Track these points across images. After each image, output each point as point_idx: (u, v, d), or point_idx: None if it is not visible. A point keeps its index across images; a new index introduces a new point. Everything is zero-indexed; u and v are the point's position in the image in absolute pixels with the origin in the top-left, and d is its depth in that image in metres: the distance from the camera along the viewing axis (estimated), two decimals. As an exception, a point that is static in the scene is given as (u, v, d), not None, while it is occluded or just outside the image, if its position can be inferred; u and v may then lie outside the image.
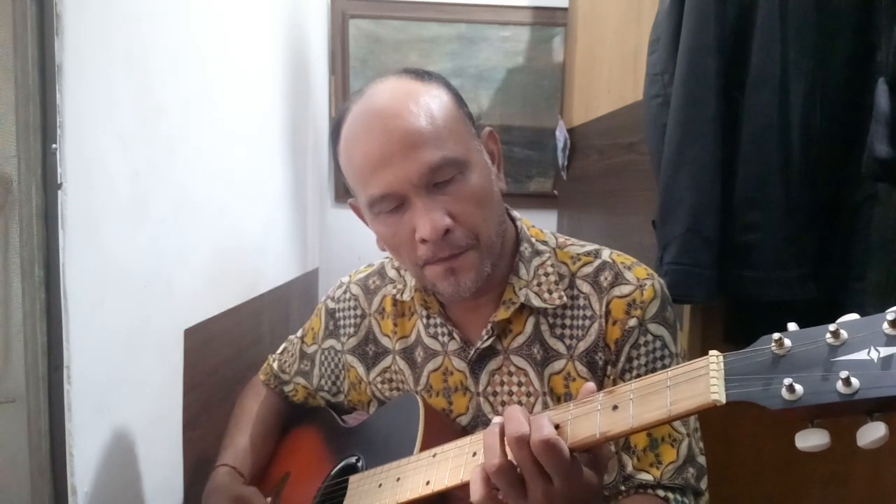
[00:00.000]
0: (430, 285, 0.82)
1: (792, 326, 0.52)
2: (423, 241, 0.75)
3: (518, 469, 0.59)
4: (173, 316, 1.01)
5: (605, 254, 0.87)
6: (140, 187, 0.89)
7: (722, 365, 0.53)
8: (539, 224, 0.92)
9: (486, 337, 0.85)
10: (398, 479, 0.76)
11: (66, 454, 0.74)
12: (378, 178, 0.75)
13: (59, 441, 0.74)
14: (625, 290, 0.82)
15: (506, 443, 0.60)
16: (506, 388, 0.86)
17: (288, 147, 1.76)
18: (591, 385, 0.63)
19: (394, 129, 0.74)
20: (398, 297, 0.92)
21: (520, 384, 0.85)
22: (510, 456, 0.60)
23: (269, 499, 0.92)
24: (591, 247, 0.88)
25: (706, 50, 1.11)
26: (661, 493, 0.79)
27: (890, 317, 0.46)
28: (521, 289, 0.84)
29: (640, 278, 0.83)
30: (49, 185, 0.71)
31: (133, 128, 0.87)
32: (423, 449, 0.78)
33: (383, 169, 0.74)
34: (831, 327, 0.48)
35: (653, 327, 0.82)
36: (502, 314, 0.84)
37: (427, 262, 0.78)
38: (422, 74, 0.81)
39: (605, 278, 0.84)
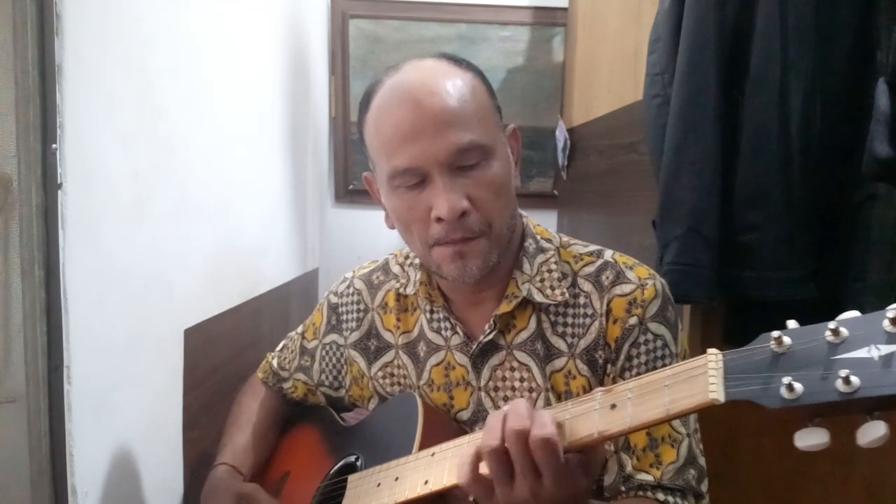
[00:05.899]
0: (436, 267, 0.81)
1: (792, 324, 0.51)
2: (439, 220, 0.76)
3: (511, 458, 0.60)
4: (173, 316, 1.01)
5: (608, 254, 0.87)
6: (140, 187, 0.89)
7: (721, 363, 0.53)
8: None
9: (488, 331, 0.85)
10: (397, 479, 0.76)
11: (66, 454, 0.74)
12: (405, 151, 0.76)
13: (59, 441, 0.74)
14: (626, 288, 0.83)
15: (505, 433, 0.60)
16: (507, 383, 0.86)
17: (288, 147, 1.76)
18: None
19: (428, 105, 0.75)
20: (402, 290, 0.92)
21: (522, 380, 0.85)
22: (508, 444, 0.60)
23: None
24: (593, 247, 0.89)
25: (706, 50, 1.10)
26: (661, 496, 0.78)
27: (890, 314, 0.45)
28: (523, 283, 0.84)
29: (642, 278, 0.83)
30: (49, 185, 0.71)
31: (133, 128, 0.87)
32: (421, 448, 0.78)
33: (412, 142, 0.75)
34: (831, 325, 0.48)
35: (653, 326, 0.82)
36: (504, 308, 0.84)
37: (437, 243, 0.78)
38: (459, 61, 0.82)
39: (607, 277, 0.84)
